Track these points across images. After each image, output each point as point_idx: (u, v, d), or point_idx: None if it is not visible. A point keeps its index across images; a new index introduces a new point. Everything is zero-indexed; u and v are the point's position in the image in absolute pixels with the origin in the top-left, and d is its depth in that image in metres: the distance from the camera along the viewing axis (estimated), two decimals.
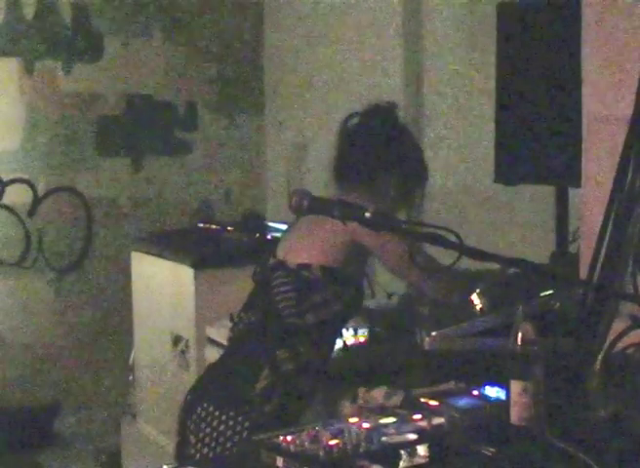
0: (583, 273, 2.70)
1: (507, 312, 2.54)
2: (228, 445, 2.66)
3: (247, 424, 2.65)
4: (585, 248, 2.74)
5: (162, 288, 4.32)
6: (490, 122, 3.56)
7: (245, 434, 2.62)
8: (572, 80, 2.87)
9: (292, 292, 2.77)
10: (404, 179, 2.92)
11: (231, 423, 2.67)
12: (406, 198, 2.97)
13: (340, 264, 2.77)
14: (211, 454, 2.65)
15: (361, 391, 2.40)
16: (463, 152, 4.53)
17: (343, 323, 2.91)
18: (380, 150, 2.91)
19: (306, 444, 1.97)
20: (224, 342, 3.13)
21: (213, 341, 3.65)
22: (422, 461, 1.96)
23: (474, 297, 2.80)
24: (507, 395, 2.07)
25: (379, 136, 2.92)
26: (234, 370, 2.78)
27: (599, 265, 2.64)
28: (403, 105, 4.80)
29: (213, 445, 2.68)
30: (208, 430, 2.70)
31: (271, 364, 2.71)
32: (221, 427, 2.69)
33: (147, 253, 4.39)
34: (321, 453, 1.93)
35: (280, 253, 2.89)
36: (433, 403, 2.23)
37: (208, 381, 2.87)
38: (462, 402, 2.24)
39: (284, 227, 3.28)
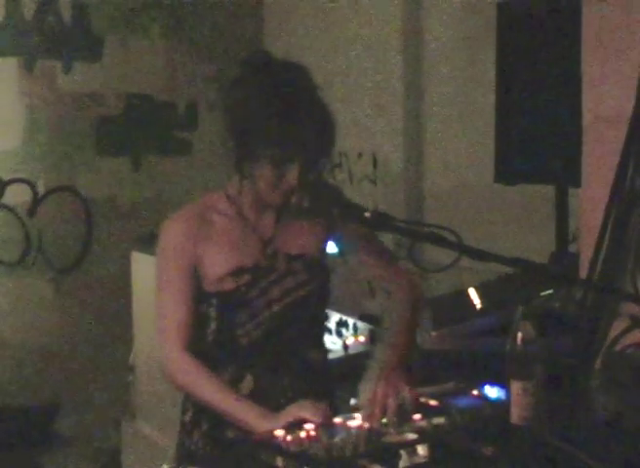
0: (583, 273, 2.70)
1: (507, 312, 2.54)
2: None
3: (180, 451, 2.48)
4: (585, 247, 2.74)
5: None
6: (490, 122, 3.56)
7: (177, 460, 2.43)
8: (572, 80, 2.87)
9: None
10: None
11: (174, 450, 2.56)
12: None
13: None
14: None
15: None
16: (463, 152, 4.53)
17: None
18: None
19: (306, 444, 1.97)
20: None
21: None
22: (422, 461, 1.96)
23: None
24: (507, 395, 2.07)
25: None
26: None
27: (599, 265, 2.65)
28: (403, 105, 4.83)
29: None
30: None
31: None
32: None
33: (147, 252, 4.37)
34: (321, 453, 1.93)
35: None
36: (433, 403, 2.23)
37: None
38: (462, 402, 2.24)
39: None
